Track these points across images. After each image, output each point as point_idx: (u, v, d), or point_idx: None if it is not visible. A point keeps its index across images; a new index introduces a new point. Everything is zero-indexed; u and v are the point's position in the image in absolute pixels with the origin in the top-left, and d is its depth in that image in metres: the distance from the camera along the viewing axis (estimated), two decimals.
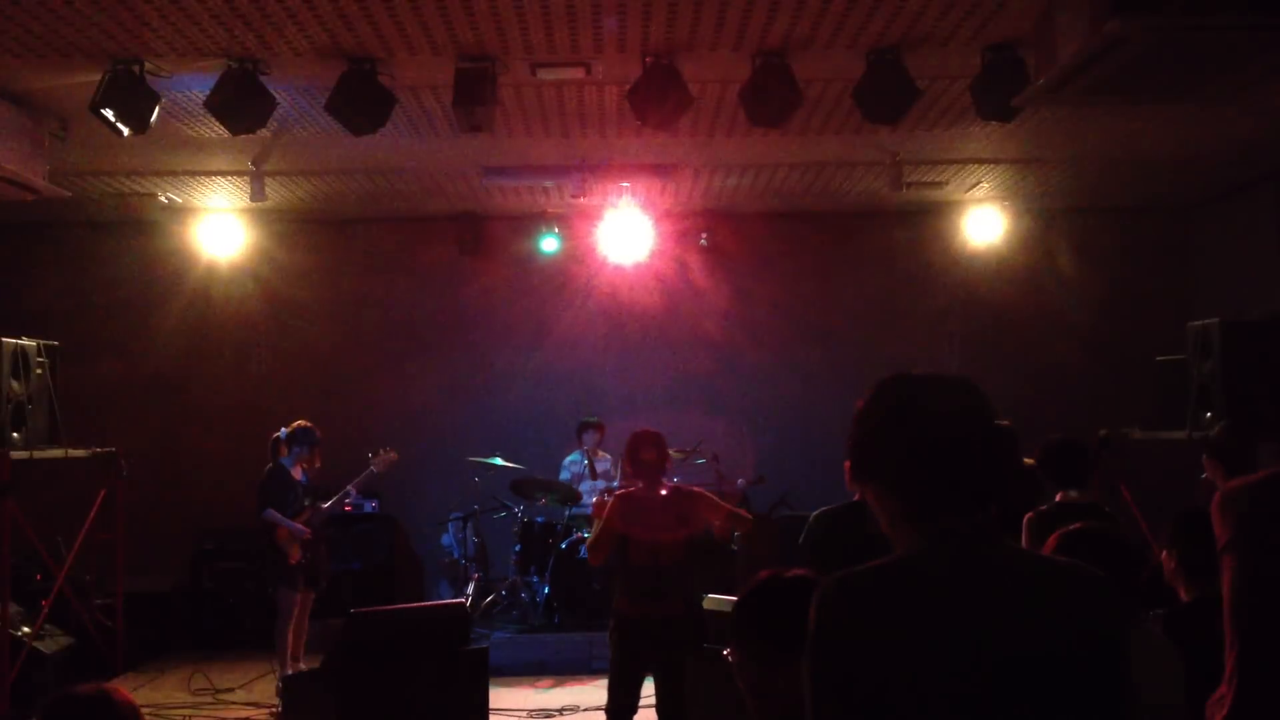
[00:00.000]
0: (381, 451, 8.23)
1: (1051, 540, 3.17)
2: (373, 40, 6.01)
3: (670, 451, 5.79)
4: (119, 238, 10.37)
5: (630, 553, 5.50)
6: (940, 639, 1.72)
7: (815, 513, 4.90)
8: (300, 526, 7.81)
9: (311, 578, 7.98)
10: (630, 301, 10.70)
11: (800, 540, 4.91)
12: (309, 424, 8.02)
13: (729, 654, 2.36)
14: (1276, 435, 4.14)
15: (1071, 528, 3.19)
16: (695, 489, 5.90)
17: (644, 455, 5.54)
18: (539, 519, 9.40)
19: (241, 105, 6.25)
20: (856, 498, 4.67)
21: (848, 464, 1.98)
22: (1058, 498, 4.82)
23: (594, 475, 9.45)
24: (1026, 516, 4.59)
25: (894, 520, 1.87)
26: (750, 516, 5.99)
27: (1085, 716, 1.72)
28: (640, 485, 5.64)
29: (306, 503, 7.92)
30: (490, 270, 10.62)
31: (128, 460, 8.76)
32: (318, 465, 8.06)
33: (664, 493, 5.59)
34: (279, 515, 7.76)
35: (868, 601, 1.77)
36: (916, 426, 1.84)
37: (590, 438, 9.63)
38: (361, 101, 6.25)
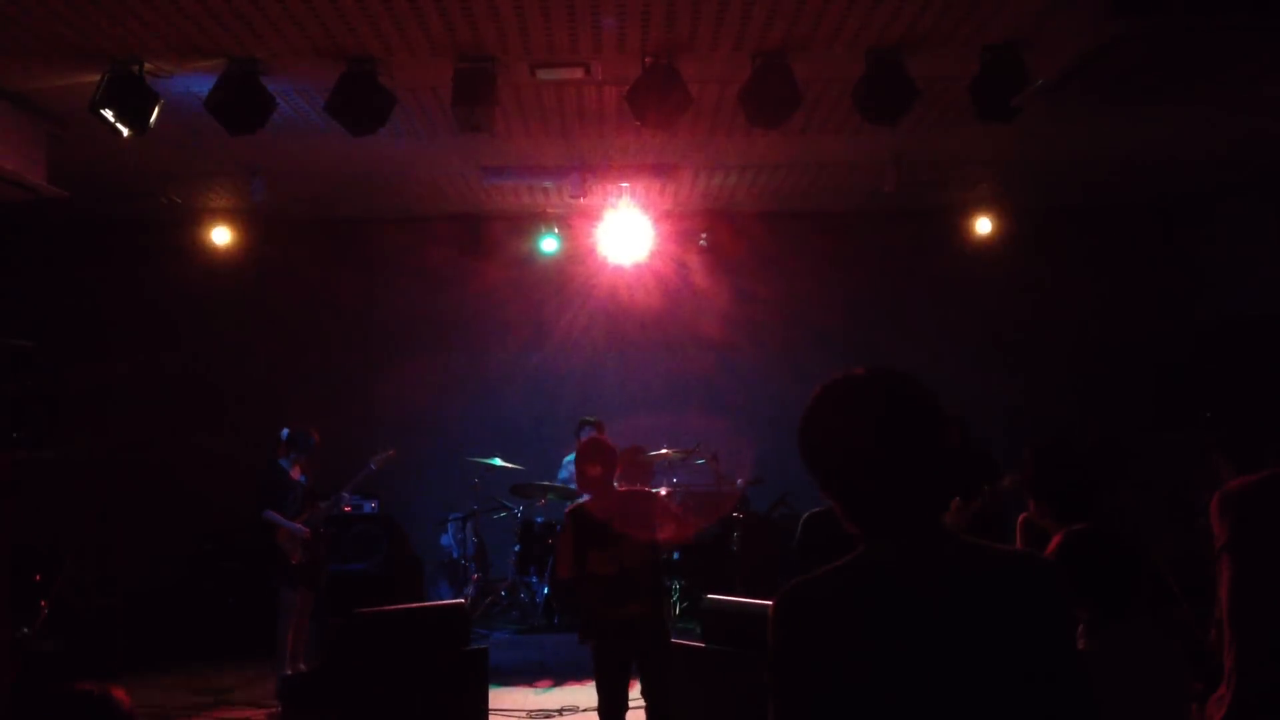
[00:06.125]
0: (380, 450, 8.24)
1: (1056, 539, 3.17)
2: (373, 40, 6.01)
3: (643, 457, 5.69)
4: (119, 238, 10.36)
5: (591, 563, 5.41)
6: (888, 637, 1.74)
7: (805, 515, 4.91)
8: (300, 526, 7.83)
9: (311, 578, 7.99)
10: (630, 301, 10.69)
11: (794, 543, 4.92)
12: (308, 427, 8.03)
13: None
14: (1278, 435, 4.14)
15: (1075, 528, 3.18)
16: (651, 492, 5.82)
17: (589, 472, 5.45)
18: (539, 519, 9.40)
19: (241, 105, 6.25)
20: None
21: None
22: None
23: None
24: (1021, 517, 4.58)
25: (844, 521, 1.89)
26: (688, 527, 5.74)
27: (1037, 700, 1.72)
28: (589, 497, 5.61)
29: (306, 503, 7.93)
30: (490, 270, 10.61)
31: (127, 460, 8.75)
32: (315, 467, 8.07)
33: (610, 501, 5.46)
34: (279, 517, 7.77)
35: (819, 607, 1.80)
36: (825, 433, 1.88)
37: (589, 436, 9.61)
38: (361, 101, 6.25)
